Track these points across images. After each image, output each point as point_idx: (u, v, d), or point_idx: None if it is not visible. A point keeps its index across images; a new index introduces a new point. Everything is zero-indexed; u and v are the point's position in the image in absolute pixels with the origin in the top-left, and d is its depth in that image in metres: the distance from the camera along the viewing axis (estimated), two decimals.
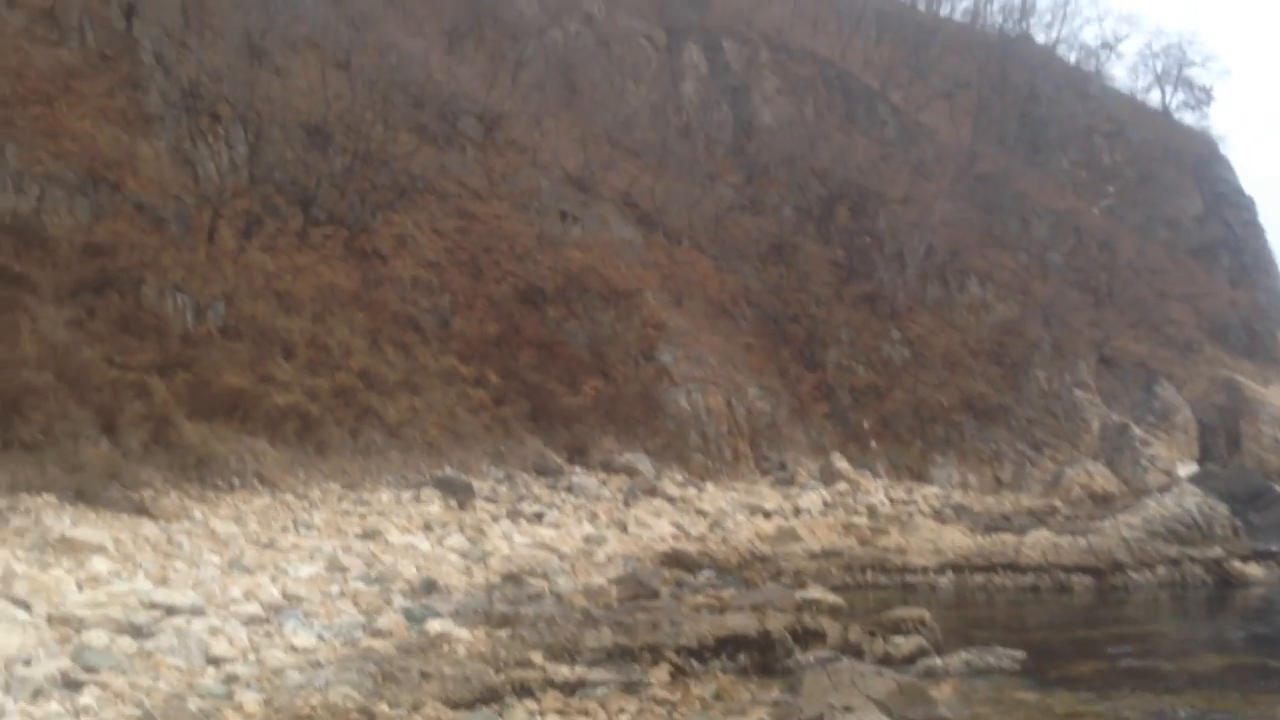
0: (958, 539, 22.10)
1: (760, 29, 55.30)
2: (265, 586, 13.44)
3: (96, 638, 10.25)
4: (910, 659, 12.81)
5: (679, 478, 28.42)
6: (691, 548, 20.66)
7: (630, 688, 11.20)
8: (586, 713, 10.29)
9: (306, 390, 22.45)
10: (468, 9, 43.16)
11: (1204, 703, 11.40)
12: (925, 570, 19.39)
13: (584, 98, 43.84)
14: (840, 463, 32.93)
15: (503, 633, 12.80)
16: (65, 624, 10.60)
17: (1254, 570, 19.49)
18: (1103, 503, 31.32)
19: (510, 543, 19.37)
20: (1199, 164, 66.42)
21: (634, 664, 11.86)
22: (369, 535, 17.82)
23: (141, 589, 12.06)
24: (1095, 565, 19.03)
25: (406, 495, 21.59)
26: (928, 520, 26.33)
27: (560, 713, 10.28)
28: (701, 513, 25.38)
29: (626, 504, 24.77)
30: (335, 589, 14.14)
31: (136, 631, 10.76)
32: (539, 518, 21.86)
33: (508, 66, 40.27)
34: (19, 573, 11.68)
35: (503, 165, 35.62)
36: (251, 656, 10.82)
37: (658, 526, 23.04)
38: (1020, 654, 12.90)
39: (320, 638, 11.80)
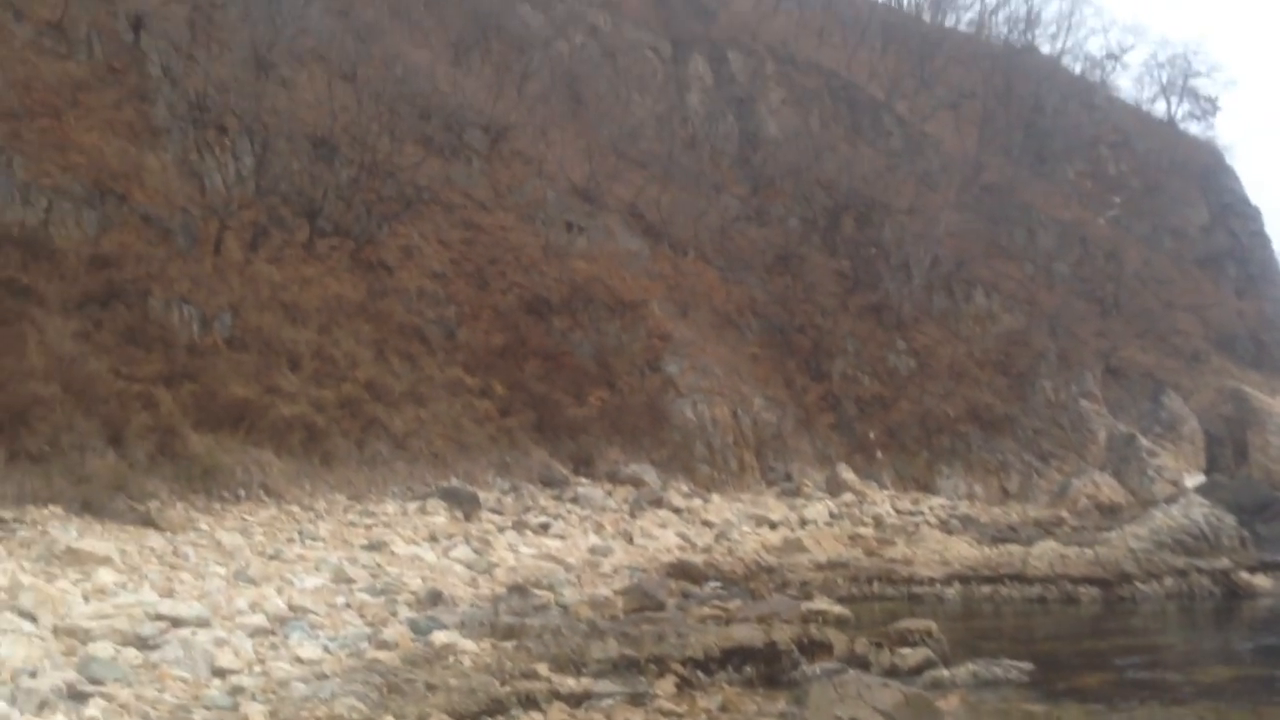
0: (964, 550, 22.07)
1: (765, 40, 55.41)
2: (271, 598, 13.44)
3: (102, 649, 10.25)
4: (917, 671, 12.77)
5: (685, 489, 28.39)
6: (697, 559, 20.63)
7: (636, 699, 11.17)
8: None
9: (312, 401, 22.46)
10: (473, 21, 43.30)
11: (1212, 715, 11.36)
12: (932, 581, 19.34)
13: (589, 109, 43.93)
14: (846, 473, 32.87)
15: (508, 644, 12.79)
16: (71, 635, 10.60)
17: (1261, 581, 19.42)
18: (1110, 514, 31.25)
19: (516, 554, 19.36)
20: (1205, 174, 66.40)
21: (640, 676, 11.83)
22: (374, 546, 17.82)
23: (147, 600, 12.06)
24: (1102, 576, 18.98)
25: (412, 506, 21.58)
26: (934, 531, 26.27)
27: None
28: (707, 524, 25.34)
29: (632, 515, 24.74)
30: (341, 600, 14.13)
31: (142, 643, 10.76)
32: (544, 529, 21.84)
33: (513, 78, 40.36)
34: (25, 584, 11.68)
35: (508, 176, 35.69)
36: (257, 668, 10.81)
37: (663, 537, 23.01)
38: (1028, 666, 12.86)
39: (326, 649, 11.79)
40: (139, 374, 19.72)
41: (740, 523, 25.89)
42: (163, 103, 25.60)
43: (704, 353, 33.63)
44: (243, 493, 19.35)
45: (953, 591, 19.11)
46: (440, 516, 21.13)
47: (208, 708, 9.51)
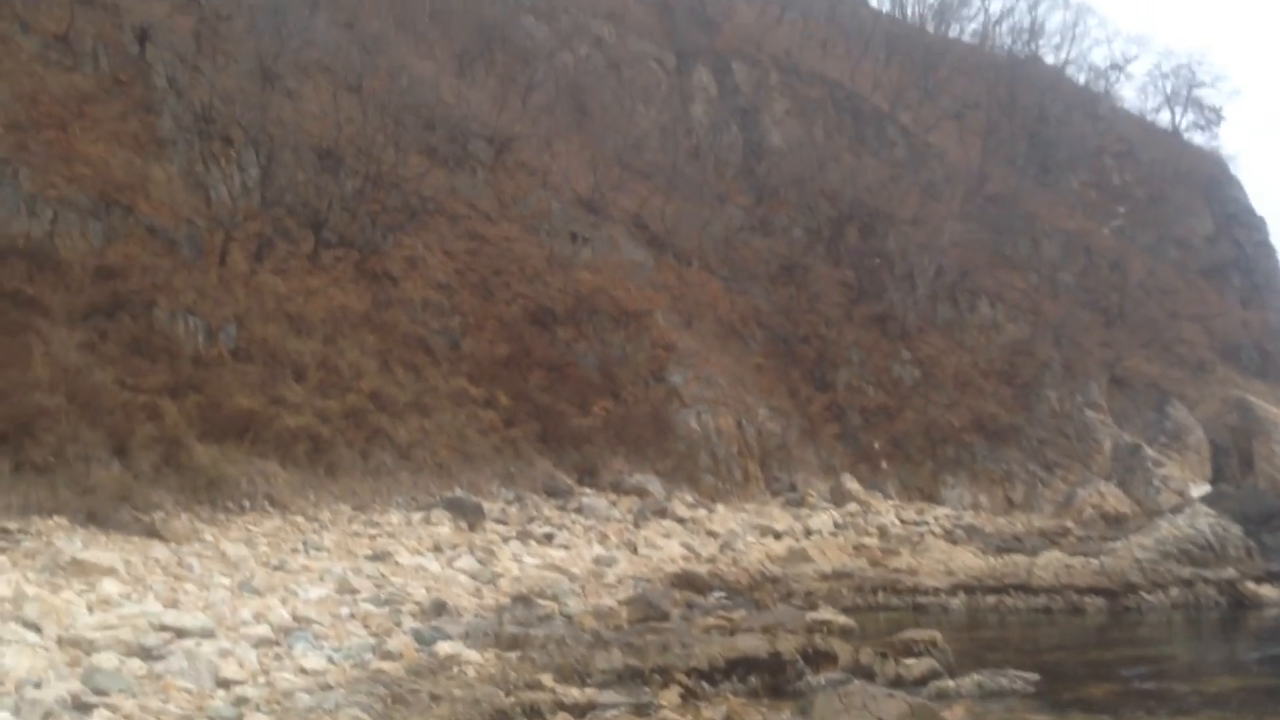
0: (969, 560, 22.02)
1: (769, 51, 55.54)
2: (275, 608, 13.42)
3: (106, 660, 10.24)
4: (922, 681, 12.74)
5: (689, 499, 28.37)
6: (702, 569, 20.60)
7: (641, 710, 11.15)
8: None
9: (317, 412, 22.48)
10: (478, 33, 43.44)
11: None
12: (937, 591, 19.31)
13: (594, 120, 44.03)
14: (851, 483, 32.84)
15: (513, 655, 12.77)
16: (75, 646, 10.60)
17: (1268, 591, 19.37)
18: (1115, 523, 31.19)
19: (520, 564, 19.33)
20: (1209, 184, 66.37)
21: (644, 686, 11.81)
22: (379, 557, 17.81)
23: (152, 611, 12.05)
24: (1108, 586, 18.94)
25: (416, 517, 21.57)
26: (939, 541, 26.21)
27: None
28: (712, 534, 25.30)
29: (636, 525, 24.72)
30: (345, 611, 14.11)
31: (146, 654, 10.75)
32: (549, 539, 21.82)
33: (518, 89, 40.48)
34: (30, 595, 11.68)
35: (513, 187, 35.78)
36: (261, 679, 10.79)
37: (668, 548, 22.98)
38: (1033, 676, 12.82)
39: (330, 660, 11.77)
40: (144, 385, 19.75)
41: (745, 533, 25.85)
42: (168, 114, 25.69)
43: (708, 363, 33.65)
44: (247, 503, 19.36)
45: (958, 602, 19.07)
46: (445, 527, 21.12)
47: (212, 719, 9.51)
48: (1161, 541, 20.44)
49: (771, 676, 12.51)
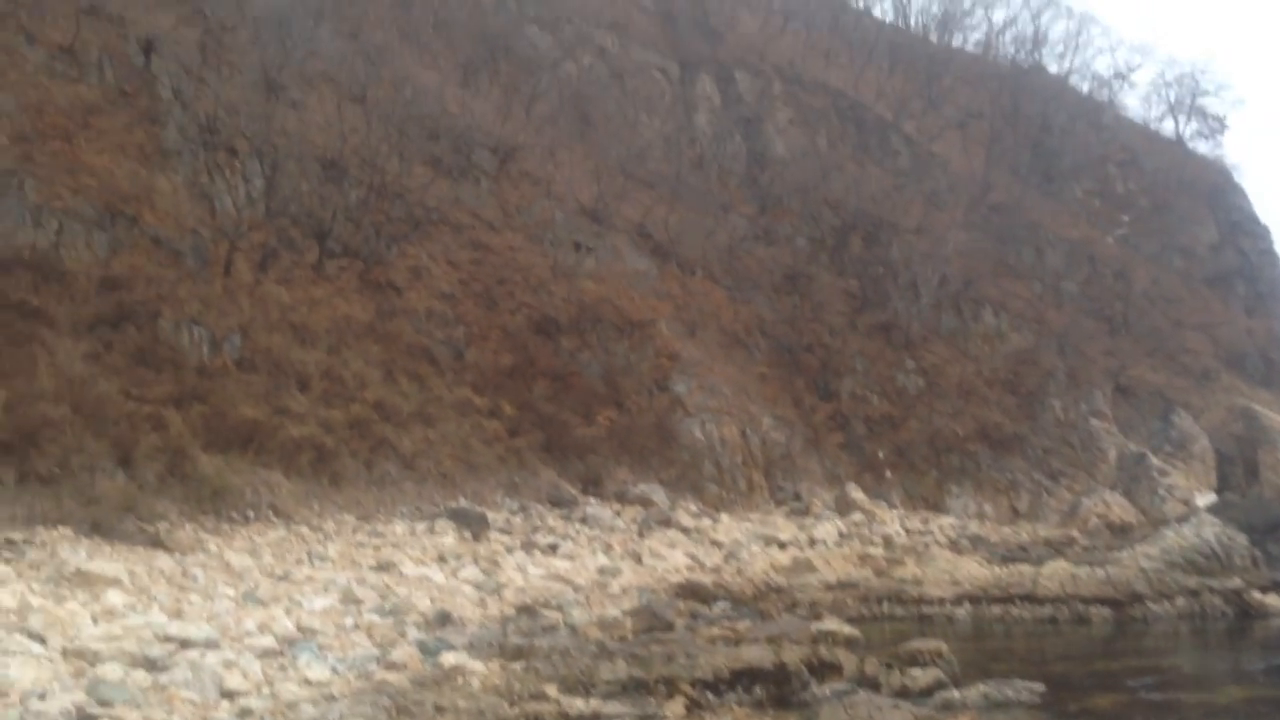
0: (974, 570, 21.97)
1: (773, 61, 55.60)
2: (279, 619, 13.42)
3: (111, 671, 10.24)
4: (928, 691, 12.70)
5: (693, 508, 28.33)
6: (706, 579, 20.56)
7: None
8: None
9: (321, 422, 22.48)
10: (482, 43, 43.53)
11: None
12: (942, 602, 19.27)
13: (597, 130, 44.08)
14: (855, 493, 32.79)
15: (517, 665, 12.75)
16: (80, 657, 10.60)
17: (1274, 601, 19.30)
18: (1120, 533, 31.10)
19: (524, 574, 19.31)
20: (1213, 193, 66.33)
21: (649, 697, 11.78)
22: (383, 567, 17.79)
23: (156, 622, 12.06)
24: (1114, 596, 18.90)
25: (421, 527, 21.56)
26: (944, 551, 26.19)
27: None
28: (716, 544, 25.27)
29: (641, 535, 24.69)
30: (349, 621, 14.10)
31: (151, 665, 10.75)
32: (553, 549, 21.79)
33: (522, 99, 40.56)
34: (34, 606, 11.70)
35: (517, 197, 35.81)
36: (265, 690, 10.79)
37: (672, 558, 22.95)
38: (1039, 687, 12.78)
39: (334, 671, 11.76)
40: (149, 395, 19.77)
41: (749, 543, 25.81)
42: (173, 125, 25.75)
43: (712, 372, 33.62)
44: (251, 514, 19.35)
45: (963, 612, 19.03)
46: (449, 537, 21.11)
47: None
48: (1167, 551, 20.39)
49: (776, 687, 12.47)
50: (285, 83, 30.06)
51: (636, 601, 18.07)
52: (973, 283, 44.04)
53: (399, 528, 21.24)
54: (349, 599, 15.27)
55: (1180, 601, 18.96)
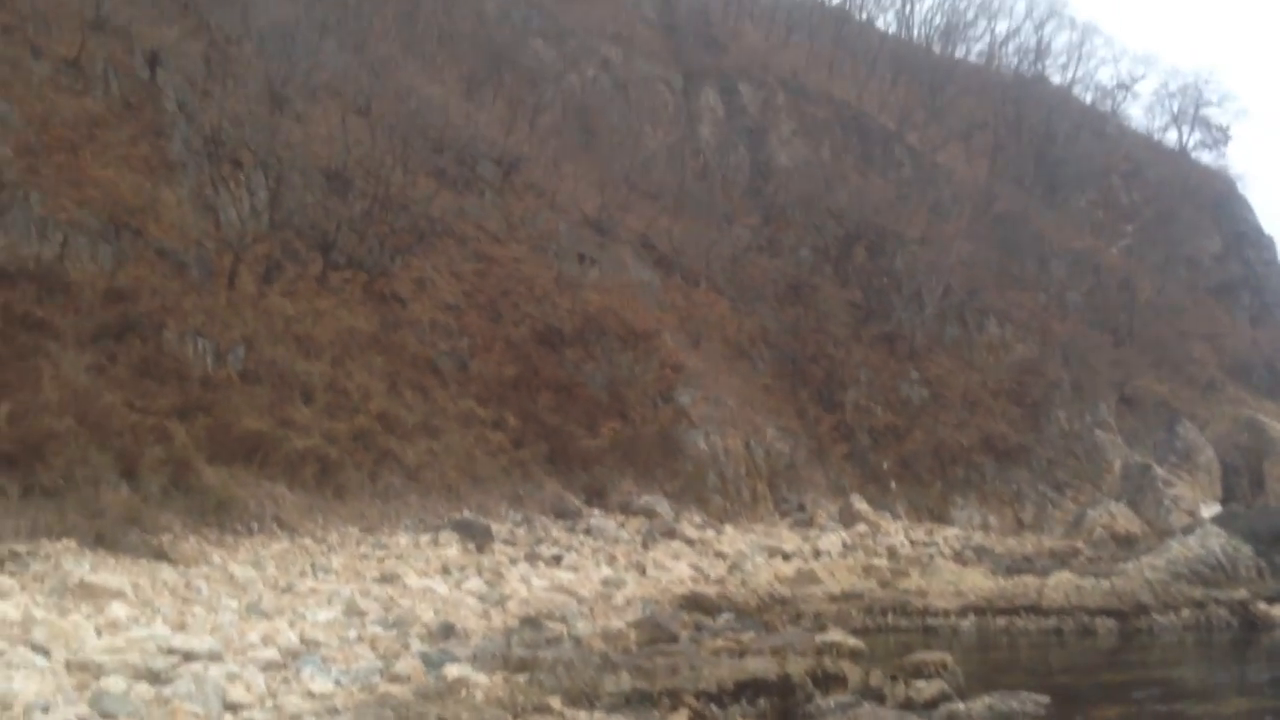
0: (979, 581, 21.91)
1: (776, 72, 55.73)
2: (283, 631, 13.39)
3: (114, 684, 10.22)
4: (932, 704, 12.66)
5: (697, 520, 28.30)
6: (710, 590, 20.53)
7: None
8: None
9: (325, 434, 22.48)
10: (486, 55, 43.66)
11: None
12: (947, 613, 19.22)
13: (601, 141, 44.20)
14: (860, 504, 32.75)
15: (521, 677, 12.72)
16: (83, 670, 10.58)
17: (1279, 613, 19.25)
18: (1126, 544, 31.04)
19: (528, 586, 19.28)
20: (1218, 203, 66.39)
21: (653, 709, 11.75)
22: (387, 579, 17.77)
23: (160, 634, 12.04)
24: (1119, 608, 18.85)
25: (425, 538, 21.54)
26: (948, 562, 26.13)
27: None
28: (720, 555, 25.24)
29: (645, 546, 24.66)
30: (353, 633, 14.07)
31: (154, 677, 10.73)
32: (557, 560, 21.77)
33: (526, 111, 40.66)
34: (38, 618, 11.68)
35: (521, 208, 35.87)
36: (269, 703, 10.76)
37: (676, 569, 22.91)
38: (1044, 699, 12.74)
39: (338, 683, 11.74)
40: (153, 407, 19.76)
41: (753, 554, 25.77)
42: (178, 138, 25.82)
43: (716, 383, 33.63)
44: (255, 525, 19.33)
45: (968, 623, 18.98)
46: (453, 548, 21.08)
47: None
48: (1173, 562, 20.36)
49: (781, 699, 12.44)
50: (290, 95, 30.16)
51: (640, 613, 18.04)
52: (977, 293, 44.05)
53: (403, 539, 21.22)
54: (352, 611, 15.25)
55: (1186, 613, 18.92)
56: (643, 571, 22.28)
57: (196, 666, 11.13)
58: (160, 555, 16.41)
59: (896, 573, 23.72)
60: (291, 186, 27.22)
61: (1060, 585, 19.87)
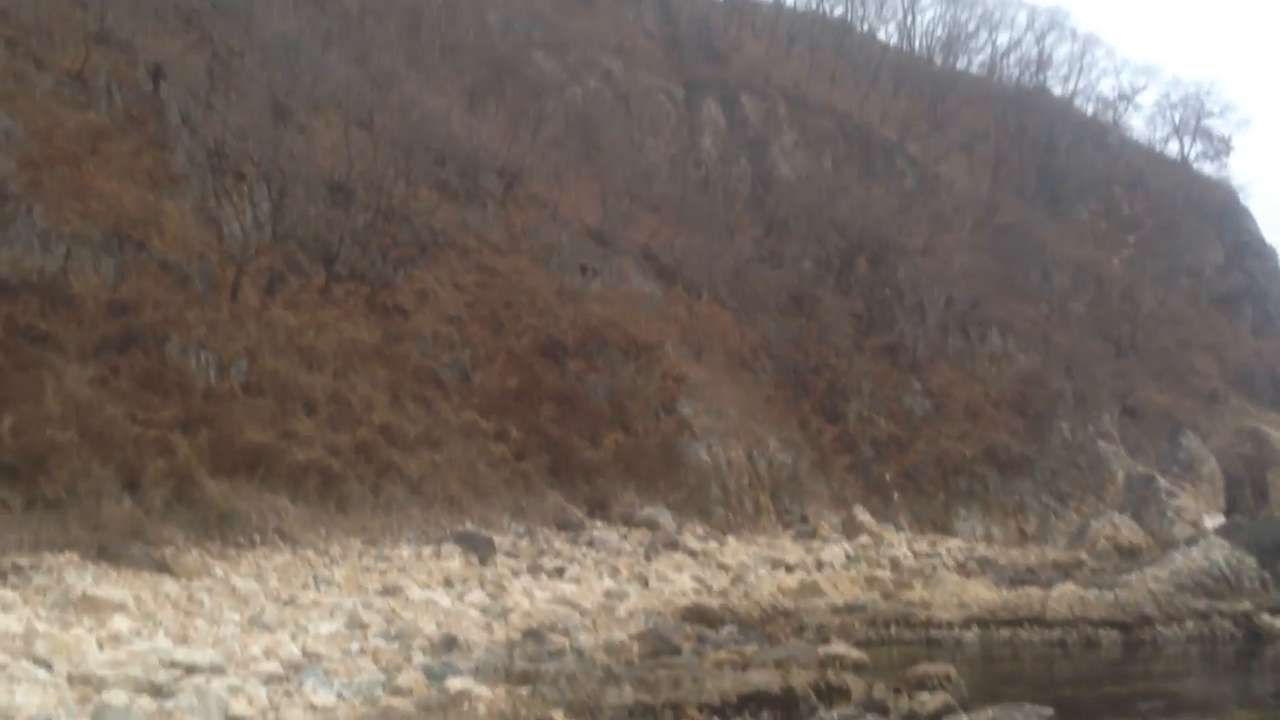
0: (982, 593, 21.86)
1: (778, 83, 55.86)
2: (285, 644, 13.39)
3: (117, 697, 10.21)
4: (936, 716, 12.61)
5: (700, 531, 28.27)
6: (713, 602, 20.48)
7: None
8: None
9: (328, 446, 22.48)
10: (489, 67, 43.78)
11: None
12: (950, 625, 19.16)
13: (603, 153, 44.26)
14: (863, 515, 32.70)
15: (523, 690, 12.70)
16: (86, 683, 10.58)
17: None
18: (1129, 555, 30.97)
19: (531, 598, 19.25)
20: (1220, 213, 66.46)
21: None
22: (389, 591, 17.76)
23: (162, 648, 12.03)
24: (1123, 619, 18.80)
25: (427, 551, 21.52)
26: (952, 574, 26.05)
27: None
28: (723, 567, 25.19)
29: (647, 558, 24.62)
30: (355, 646, 14.06)
31: (156, 691, 10.72)
32: (560, 573, 21.73)
33: (528, 123, 40.73)
34: (40, 631, 11.68)
35: (523, 220, 35.92)
36: (271, 716, 10.76)
37: (679, 581, 22.87)
38: (1049, 711, 12.69)
39: (340, 696, 11.72)
40: (156, 420, 19.78)
41: (756, 566, 25.73)
42: (181, 150, 25.87)
43: (719, 395, 33.61)
44: (258, 538, 19.33)
45: (971, 635, 18.92)
46: (455, 561, 21.06)
47: None
48: (1176, 574, 20.32)
49: (784, 712, 12.41)
50: (293, 107, 30.23)
51: (643, 625, 18.00)
52: (979, 304, 44.08)
53: (405, 551, 21.20)
54: (355, 623, 15.24)
55: (1190, 624, 18.87)
56: (645, 583, 22.24)
57: (199, 679, 11.13)
58: (162, 568, 16.41)
59: (900, 584, 23.67)
60: (294, 198, 27.26)
61: (1064, 597, 19.82)
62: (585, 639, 16.43)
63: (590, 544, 24.82)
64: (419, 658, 13.94)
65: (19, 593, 13.65)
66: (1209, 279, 61.80)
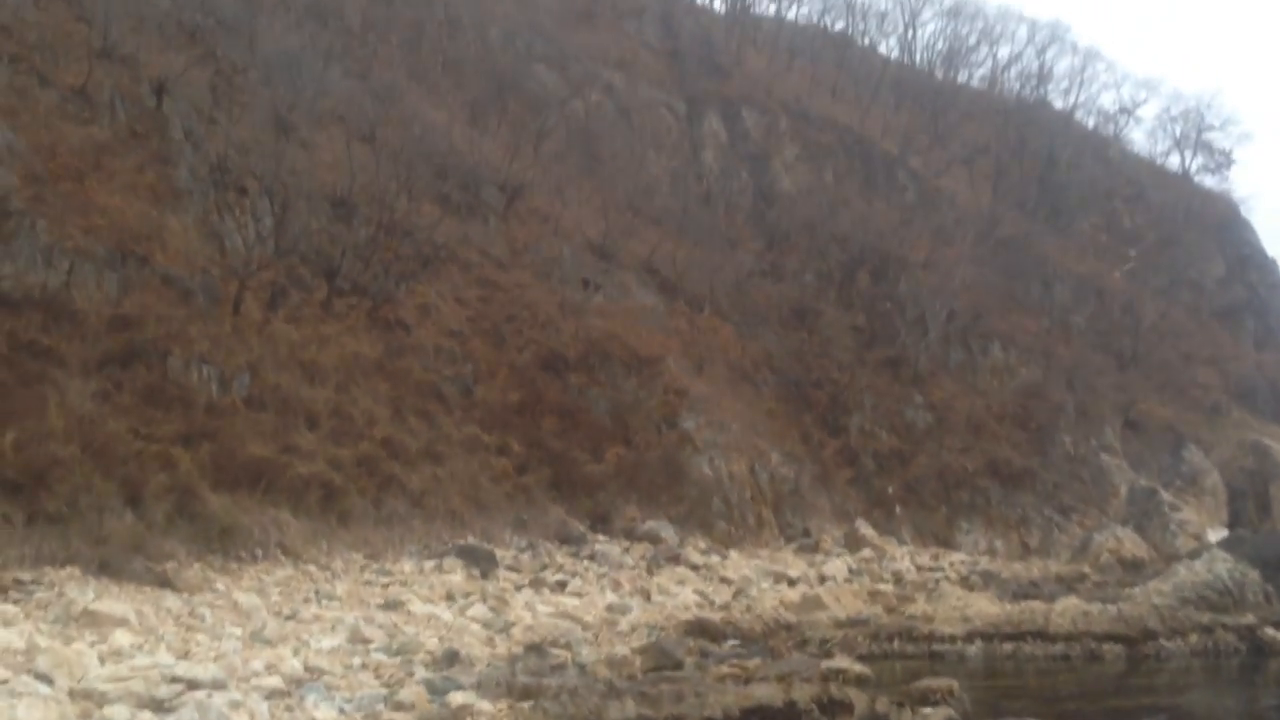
0: (985, 607, 21.82)
1: (779, 97, 55.97)
2: (287, 659, 13.37)
3: (118, 713, 10.20)
4: None
5: (702, 545, 28.22)
6: (715, 616, 20.45)
7: None
8: None
9: (330, 460, 22.48)
10: (490, 82, 43.89)
11: None
12: (953, 639, 19.12)
13: (605, 167, 44.34)
14: (865, 529, 32.65)
15: (525, 705, 12.67)
16: (87, 698, 10.56)
17: None
18: (1132, 569, 30.91)
19: (533, 612, 19.23)
20: (1221, 227, 66.48)
21: None
22: (391, 606, 17.74)
23: (163, 662, 12.01)
24: (1126, 633, 18.76)
25: (429, 565, 21.50)
26: (955, 587, 26.00)
27: None
28: (725, 580, 25.15)
29: (650, 572, 24.59)
30: (357, 661, 14.05)
31: (158, 706, 10.70)
32: (562, 587, 21.71)
33: (530, 137, 40.82)
34: (42, 646, 11.67)
35: (525, 234, 35.98)
36: None
37: (681, 595, 22.83)
38: None
39: (341, 711, 11.70)
40: (158, 434, 19.79)
41: (758, 579, 25.70)
42: (184, 165, 25.94)
43: (721, 408, 33.59)
44: (260, 552, 19.31)
45: (974, 649, 18.88)
46: (457, 575, 21.04)
47: None
48: (1180, 587, 20.27)
49: None
50: (295, 122, 30.32)
51: (645, 639, 17.96)
52: (981, 317, 44.07)
53: (407, 566, 21.18)
54: (356, 638, 15.22)
55: (1193, 638, 18.83)
56: (647, 597, 22.21)
57: (200, 695, 11.10)
58: (164, 583, 16.40)
59: (902, 598, 23.63)
60: (296, 213, 27.33)
61: (1067, 610, 19.78)
62: (587, 653, 16.40)
63: (592, 558, 24.79)
64: (421, 672, 13.91)
65: (21, 607, 13.64)
66: (1210, 292, 61.80)
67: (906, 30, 75.21)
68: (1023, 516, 36.77)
